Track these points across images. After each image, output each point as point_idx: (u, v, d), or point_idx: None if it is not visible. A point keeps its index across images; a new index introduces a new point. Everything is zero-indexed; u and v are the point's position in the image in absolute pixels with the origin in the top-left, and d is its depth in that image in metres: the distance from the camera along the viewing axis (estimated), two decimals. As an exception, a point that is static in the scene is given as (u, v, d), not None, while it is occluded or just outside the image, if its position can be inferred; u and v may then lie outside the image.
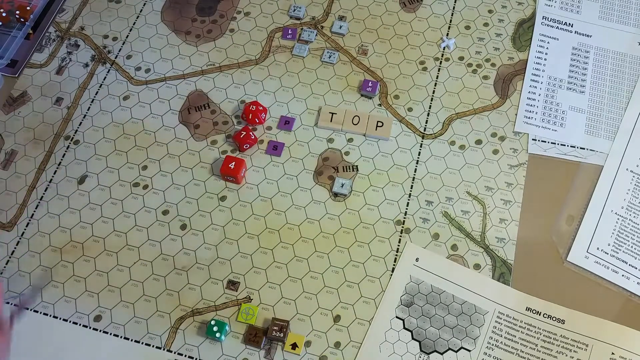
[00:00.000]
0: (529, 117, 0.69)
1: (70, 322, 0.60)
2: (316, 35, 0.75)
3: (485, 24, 0.75)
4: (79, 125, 0.70)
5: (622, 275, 0.61)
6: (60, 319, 0.60)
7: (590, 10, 0.76)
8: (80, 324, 0.60)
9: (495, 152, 0.67)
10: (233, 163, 0.65)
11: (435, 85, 0.71)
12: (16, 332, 0.59)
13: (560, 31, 0.75)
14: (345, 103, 0.70)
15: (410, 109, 0.70)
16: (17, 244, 0.64)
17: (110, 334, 0.59)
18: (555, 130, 0.68)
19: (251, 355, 0.58)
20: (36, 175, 0.67)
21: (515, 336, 0.58)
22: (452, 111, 0.70)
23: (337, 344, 0.58)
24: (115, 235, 0.64)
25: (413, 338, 0.58)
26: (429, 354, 0.58)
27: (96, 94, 0.72)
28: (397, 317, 0.59)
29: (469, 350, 0.58)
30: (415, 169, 0.67)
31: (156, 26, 0.76)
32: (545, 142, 0.68)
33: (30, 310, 0.60)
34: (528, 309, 0.59)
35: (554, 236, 0.63)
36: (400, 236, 0.63)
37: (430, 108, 0.70)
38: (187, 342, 0.58)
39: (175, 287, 0.61)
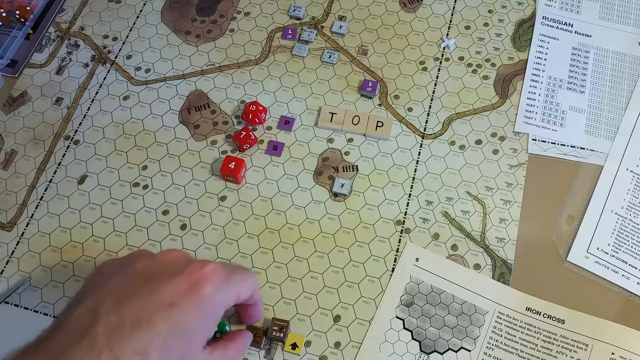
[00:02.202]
0: (529, 117, 0.69)
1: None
2: (316, 35, 0.75)
3: (485, 24, 0.75)
4: (79, 125, 0.70)
5: (622, 275, 0.61)
6: (60, 319, 0.60)
7: (590, 10, 0.76)
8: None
9: (495, 152, 0.67)
10: (233, 163, 0.65)
11: (435, 85, 0.71)
12: (16, 332, 0.59)
13: (560, 31, 0.75)
14: (345, 103, 0.70)
15: (410, 109, 0.70)
16: (17, 244, 0.64)
17: (110, 334, 0.59)
18: (555, 130, 0.68)
19: (251, 355, 0.58)
20: (36, 175, 0.67)
21: (515, 336, 0.58)
22: (452, 111, 0.70)
23: (337, 344, 0.58)
24: (115, 235, 0.64)
25: (413, 338, 0.58)
26: (429, 354, 0.58)
27: (96, 94, 0.72)
28: (397, 317, 0.59)
29: (469, 350, 0.58)
30: (415, 169, 0.67)
31: (156, 26, 0.76)
32: (545, 142, 0.68)
33: (31, 310, 0.60)
34: (528, 309, 0.59)
35: (554, 236, 0.63)
36: (400, 236, 0.63)
37: (430, 108, 0.70)
38: (187, 342, 0.58)
39: (175, 287, 0.61)
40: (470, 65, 0.73)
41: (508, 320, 0.59)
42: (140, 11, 0.77)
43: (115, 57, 0.74)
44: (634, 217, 0.64)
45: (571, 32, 0.75)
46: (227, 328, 0.58)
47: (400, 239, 0.63)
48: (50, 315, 0.60)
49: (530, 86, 0.71)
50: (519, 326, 0.58)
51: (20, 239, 0.64)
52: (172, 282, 0.46)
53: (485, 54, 0.73)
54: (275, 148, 0.68)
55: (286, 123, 0.69)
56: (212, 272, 0.47)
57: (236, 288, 0.50)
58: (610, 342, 0.57)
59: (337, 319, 0.59)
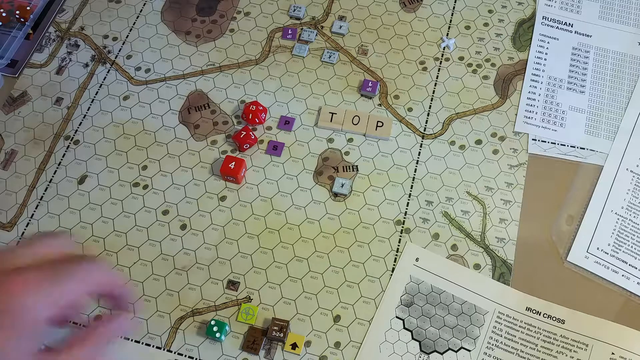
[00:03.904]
0: (529, 117, 0.69)
1: (70, 322, 0.60)
2: (316, 35, 0.75)
3: (485, 24, 0.75)
4: (79, 125, 0.70)
5: (622, 275, 0.61)
6: (60, 319, 0.60)
7: (590, 10, 0.76)
8: (80, 324, 0.59)
9: (495, 152, 0.67)
10: (233, 163, 0.65)
11: (435, 85, 0.71)
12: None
13: (560, 31, 0.75)
14: (345, 103, 0.70)
15: (410, 109, 0.70)
16: (16, 244, 0.63)
17: (110, 334, 0.59)
18: (555, 130, 0.68)
19: (251, 355, 0.58)
20: (36, 175, 0.67)
21: (515, 336, 0.58)
22: (452, 111, 0.70)
23: (337, 344, 0.58)
24: (115, 235, 0.64)
25: (413, 338, 0.58)
26: (429, 354, 0.58)
27: (96, 94, 0.72)
28: (397, 317, 0.59)
29: (469, 350, 0.58)
30: (415, 169, 0.67)
31: (156, 26, 0.76)
32: (545, 142, 0.68)
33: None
34: (528, 309, 0.59)
35: (554, 236, 0.63)
36: (400, 236, 0.63)
37: (430, 108, 0.70)
38: (187, 342, 0.58)
39: (175, 287, 0.61)
40: (470, 65, 0.73)
41: (508, 320, 0.59)
42: (140, 11, 0.77)
43: (115, 57, 0.74)
44: (634, 217, 0.64)
45: (571, 32, 0.75)
46: (228, 328, 0.58)
47: (400, 239, 0.63)
48: (50, 315, 0.60)
49: (530, 86, 0.71)
50: (519, 326, 0.58)
51: (20, 239, 0.64)
52: None
53: (485, 54, 0.73)
54: (275, 148, 0.68)
55: (286, 123, 0.69)
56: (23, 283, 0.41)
57: (62, 295, 0.43)
58: (610, 342, 0.57)
59: (337, 319, 0.59)
